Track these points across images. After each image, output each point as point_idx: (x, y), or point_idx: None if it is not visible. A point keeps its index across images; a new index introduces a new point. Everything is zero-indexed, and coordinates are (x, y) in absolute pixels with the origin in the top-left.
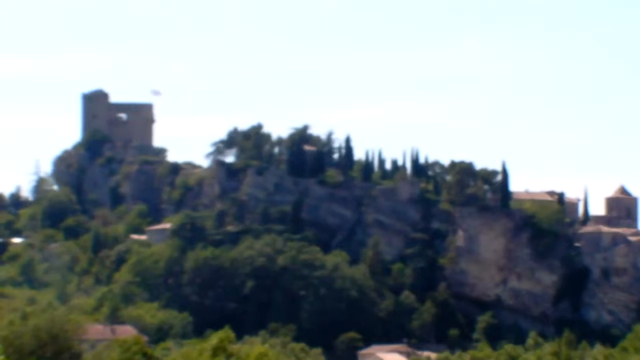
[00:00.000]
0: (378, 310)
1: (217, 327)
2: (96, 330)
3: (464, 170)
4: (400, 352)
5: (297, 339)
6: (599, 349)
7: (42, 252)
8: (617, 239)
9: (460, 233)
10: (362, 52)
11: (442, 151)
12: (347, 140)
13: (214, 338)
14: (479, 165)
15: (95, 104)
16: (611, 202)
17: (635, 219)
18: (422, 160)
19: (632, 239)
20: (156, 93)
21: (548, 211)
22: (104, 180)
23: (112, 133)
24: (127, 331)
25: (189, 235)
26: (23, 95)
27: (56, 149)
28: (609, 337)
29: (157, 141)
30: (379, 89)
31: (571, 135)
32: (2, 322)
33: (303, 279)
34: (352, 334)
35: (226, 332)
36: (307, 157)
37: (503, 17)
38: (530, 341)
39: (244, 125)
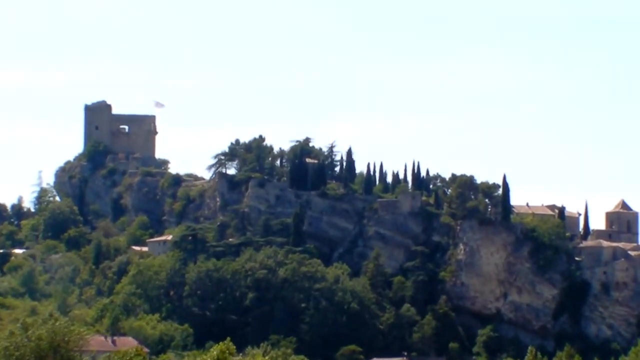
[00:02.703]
0: (379, 323)
1: (218, 338)
2: (97, 341)
3: (465, 184)
4: None
5: (298, 351)
6: None
7: (44, 263)
8: (617, 253)
9: (461, 246)
10: (363, 65)
11: (443, 164)
12: (349, 153)
13: (215, 350)
14: (479, 178)
15: (97, 115)
16: (611, 217)
17: (635, 234)
18: (423, 173)
19: (633, 253)
20: (158, 105)
21: (549, 225)
22: (105, 191)
23: (115, 144)
24: (128, 342)
25: (191, 247)
26: (25, 106)
27: (58, 160)
28: (609, 351)
29: (159, 153)
30: (381, 102)
31: (572, 149)
32: (2, 333)
33: (304, 291)
34: (353, 347)
35: (227, 344)
36: (309, 169)
37: (504, 32)
38: (529, 356)
39: (245, 137)
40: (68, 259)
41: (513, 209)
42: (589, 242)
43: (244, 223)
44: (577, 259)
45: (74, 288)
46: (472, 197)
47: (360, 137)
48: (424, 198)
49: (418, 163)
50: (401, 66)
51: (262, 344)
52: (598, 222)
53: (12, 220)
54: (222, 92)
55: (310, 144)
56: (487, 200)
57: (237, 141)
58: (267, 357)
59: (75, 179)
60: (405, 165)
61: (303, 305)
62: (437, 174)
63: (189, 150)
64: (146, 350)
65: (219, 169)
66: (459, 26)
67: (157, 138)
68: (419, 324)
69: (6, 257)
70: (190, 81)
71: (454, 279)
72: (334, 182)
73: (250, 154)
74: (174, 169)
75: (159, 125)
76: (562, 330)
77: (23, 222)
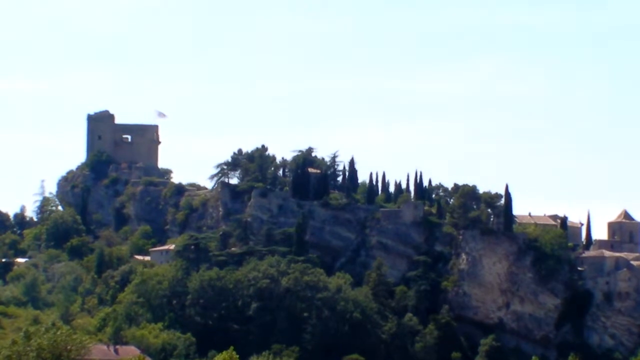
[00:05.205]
0: (381, 333)
1: (220, 348)
2: (99, 350)
3: (467, 194)
4: None
5: None
6: None
7: (46, 272)
8: (619, 263)
9: (463, 256)
10: (366, 75)
11: (445, 174)
12: (351, 163)
13: (218, 359)
14: (482, 188)
15: (100, 125)
16: (614, 227)
17: (638, 244)
18: (425, 183)
19: (635, 263)
20: (161, 115)
21: (551, 235)
22: (108, 201)
23: (117, 154)
24: (130, 351)
25: (193, 256)
26: (28, 115)
27: (61, 169)
28: None
29: (162, 162)
30: (383, 112)
31: (574, 159)
32: (5, 342)
33: (306, 300)
34: (355, 356)
35: (230, 353)
36: (311, 179)
37: (507, 42)
38: None
39: (248, 147)
40: (70, 268)
41: (515, 219)
42: (591, 252)
43: (247, 232)
44: (579, 268)
45: (76, 297)
46: (475, 207)
47: (362, 147)
48: (426, 208)
49: (420, 173)
50: (403, 76)
51: (264, 353)
52: (600, 232)
53: (14, 229)
54: (225, 102)
55: (313, 154)
56: (489, 210)
57: (240, 151)
58: None
59: (78, 189)
60: (408, 175)
61: (305, 314)
62: (440, 183)
63: (191, 159)
64: (148, 359)
65: (222, 179)
66: (461, 36)
67: (160, 148)
68: (421, 333)
69: (9, 266)
70: (192, 91)
71: (456, 289)
72: (336, 191)
73: (253, 164)
74: (176, 178)
75: (162, 134)
76: (565, 340)
77: (26, 231)
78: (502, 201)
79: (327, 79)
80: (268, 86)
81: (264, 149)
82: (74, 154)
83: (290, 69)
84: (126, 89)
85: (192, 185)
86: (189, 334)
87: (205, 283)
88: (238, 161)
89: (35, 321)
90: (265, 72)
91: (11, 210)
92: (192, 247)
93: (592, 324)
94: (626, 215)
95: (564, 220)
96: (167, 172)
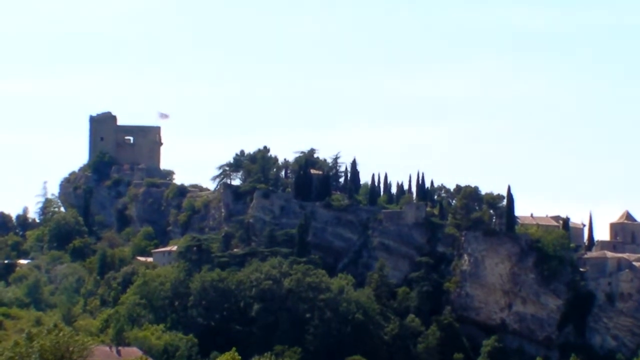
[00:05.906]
0: (383, 334)
1: (223, 349)
2: (102, 351)
3: (469, 195)
4: None
5: None
6: None
7: (49, 274)
8: (621, 264)
9: (466, 257)
10: (368, 76)
11: (447, 175)
12: (353, 164)
13: None
14: (484, 189)
15: (102, 126)
16: (616, 228)
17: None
18: (427, 184)
19: (637, 264)
20: (163, 116)
21: (553, 236)
22: (110, 202)
23: (119, 155)
24: (132, 353)
25: (195, 257)
26: (31, 117)
27: (63, 170)
28: None
29: (164, 164)
30: (385, 113)
31: (576, 160)
32: (7, 343)
33: (309, 301)
34: (357, 357)
35: (232, 354)
36: (313, 180)
37: (508, 42)
38: None
39: (250, 148)
40: (73, 269)
41: (517, 219)
42: (593, 253)
43: (249, 234)
44: (581, 269)
45: (78, 298)
46: (477, 208)
47: (364, 148)
48: (428, 209)
49: (422, 174)
50: (406, 77)
51: (266, 354)
52: (602, 233)
53: (17, 230)
54: (227, 103)
55: (315, 155)
56: (491, 211)
57: (242, 152)
58: None
59: (80, 190)
60: (410, 176)
61: (308, 315)
62: (442, 184)
63: (193, 161)
64: None
65: (224, 180)
66: (463, 37)
67: (162, 149)
68: (424, 334)
69: (11, 267)
70: (194, 92)
71: (458, 290)
72: (338, 193)
73: (255, 165)
74: (178, 179)
75: (164, 136)
76: (567, 340)
77: (28, 232)
78: (504, 202)
79: (328, 79)
80: (270, 87)
81: (266, 150)
82: (76, 155)
83: (291, 69)
84: (128, 90)
85: (195, 186)
86: (191, 335)
87: (208, 284)
88: (240, 162)
89: (38, 322)
90: (267, 72)
91: (14, 212)
92: (195, 248)
93: (595, 325)
94: (628, 216)
95: (566, 221)
96: (169, 174)
